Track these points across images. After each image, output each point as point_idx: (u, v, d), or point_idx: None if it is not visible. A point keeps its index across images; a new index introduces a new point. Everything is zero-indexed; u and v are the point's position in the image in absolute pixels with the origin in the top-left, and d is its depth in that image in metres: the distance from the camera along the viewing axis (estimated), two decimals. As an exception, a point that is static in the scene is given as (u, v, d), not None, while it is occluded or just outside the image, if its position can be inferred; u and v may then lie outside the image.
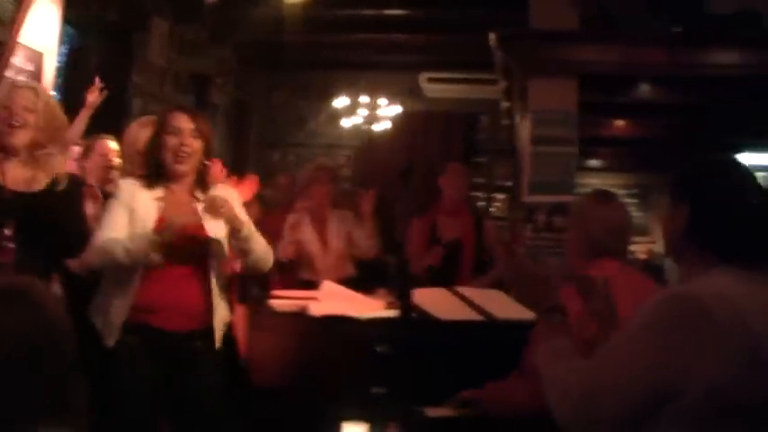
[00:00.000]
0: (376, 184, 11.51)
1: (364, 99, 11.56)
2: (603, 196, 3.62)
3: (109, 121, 5.51)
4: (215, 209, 3.77)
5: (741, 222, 2.13)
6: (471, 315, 4.17)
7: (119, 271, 3.77)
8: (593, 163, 10.28)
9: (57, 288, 4.01)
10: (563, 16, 6.89)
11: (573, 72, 6.81)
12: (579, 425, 2.12)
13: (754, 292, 2.05)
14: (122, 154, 4.76)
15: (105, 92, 5.41)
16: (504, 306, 4.26)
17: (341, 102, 11.57)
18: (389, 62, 12.00)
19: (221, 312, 3.94)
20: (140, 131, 4.48)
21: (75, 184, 4.10)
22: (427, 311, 4.08)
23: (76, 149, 5.11)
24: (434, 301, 4.21)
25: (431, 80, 12.12)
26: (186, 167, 3.90)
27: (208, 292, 3.87)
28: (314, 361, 4.17)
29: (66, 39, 7.36)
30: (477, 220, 6.41)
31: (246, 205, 4.32)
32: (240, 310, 4.88)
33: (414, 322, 4.05)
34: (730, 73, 6.77)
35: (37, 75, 6.12)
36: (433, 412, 3.58)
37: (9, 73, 5.80)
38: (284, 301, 4.74)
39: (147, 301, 3.76)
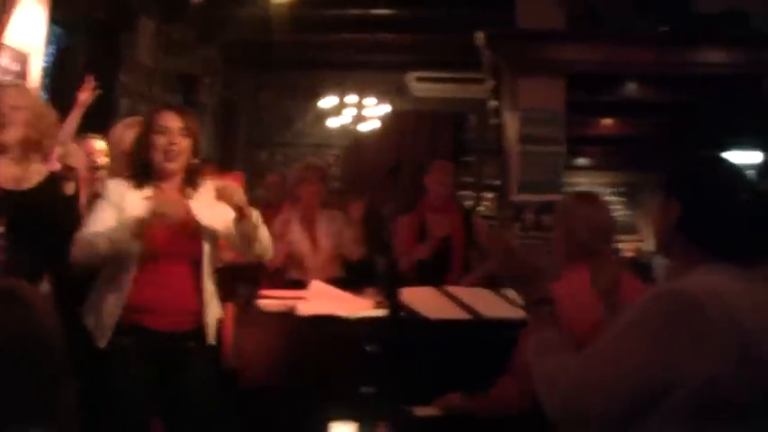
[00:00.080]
0: (364, 183, 11.56)
1: (352, 99, 11.55)
2: (587, 196, 3.64)
3: (96, 120, 5.48)
4: (228, 196, 3.76)
5: (731, 219, 2.14)
6: (460, 314, 4.17)
7: (112, 271, 3.76)
8: (582, 162, 10.30)
9: (46, 288, 3.99)
10: (550, 16, 6.91)
11: (561, 71, 6.82)
12: (569, 421, 2.12)
13: (745, 289, 2.06)
14: (108, 153, 4.74)
15: (97, 90, 5.40)
16: (492, 305, 4.27)
17: (328, 101, 11.57)
18: (377, 62, 12.00)
19: (213, 310, 3.93)
20: (126, 132, 4.46)
21: (57, 193, 4.10)
22: (416, 310, 4.08)
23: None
24: (423, 300, 4.21)
25: (419, 79, 12.13)
26: (176, 166, 3.88)
27: (200, 291, 3.86)
28: (302, 360, 4.16)
29: (53, 39, 7.35)
30: (465, 217, 6.40)
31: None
32: (228, 310, 4.87)
33: (402, 321, 4.06)
34: (717, 72, 6.80)
35: (23, 75, 6.10)
36: (421, 411, 3.58)
37: (-5, 74, 5.79)
38: (272, 300, 4.73)
39: (140, 301, 3.74)
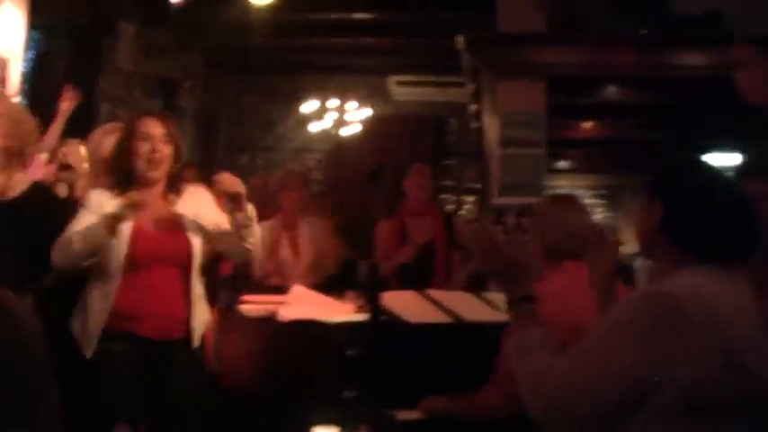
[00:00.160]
0: (346, 187, 11.56)
1: (333, 103, 11.54)
2: (563, 200, 3.65)
3: (76, 126, 5.47)
4: (232, 185, 3.77)
5: (713, 221, 2.15)
6: (441, 317, 4.17)
7: (98, 278, 3.75)
8: (563, 164, 10.31)
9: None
10: (530, 19, 6.92)
11: (541, 74, 6.83)
12: (553, 421, 2.13)
13: (727, 291, 2.07)
14: (87, 160, 4.72)
15: (78, 99, 5.38)
16: (473, 308, 4.27)
17: (310, 105, 11.55)
18: (358, 65, 11.98)
19: (201, 314, 3.93)
20: (105, 138, 4.44)
21: (50, 193, 4.09)
22: (397, 314, 4.08)
23: (43, 156, 5.08)
24: (404, 303, 4.21)
25: (399, 83, 12.12)
26: (159, 173, 3.88)
27: (189, 297, 3.86)
28: (284, 365, 4.16)
29: (32, 44, 7.32)
30: (446, 220, 6.41)
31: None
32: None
33: (383, 325, 4.05)
34: (697, 74, 6.82)
35: (2, 81, 6.07)
36: (403, 415, 3.58)
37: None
38: (254, 305, 4.73)
39: (128, 307, 3.74)
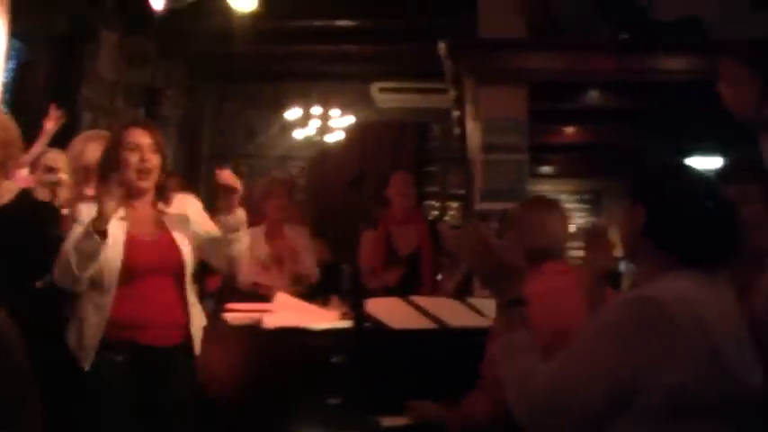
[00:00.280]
0: (329, 195, 11.55)
1: (316, 110, 11.54)
2: (539, 203, 3.65)
3: (58, 135, 5.46)
4: (230, 179, 3.78)
5: (696, 225, 2.16)
6: (425, 324, 4.18)
7: (92, 290, 3.75)
8: (545, 169, 10.34)
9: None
10: (512, 25, 6.93)
11: (522, 80, 6.84)
12: (538, 425, 2.13)
13: (710, 296, 2.08)
14: (68, 167, 4.71)
15: (62, 119, 5.37)
16: (457, 314, 4.28)
17: (293, 113, 11.54)
18: (340, 73, 11.98)
19: (198, 320, 3.94)
20: (87, 145, 4.44)
21: (36, 199, 4.09)
22: (381, 321, 4.09)
23: (24, 171, 5.06)
24: (388, 310, 4.21)
25: (382, 90, 12.12)
26: (149, 184, 3.89)
27: (185, 304, 3.87)
28: (269, 373, 4.16)
29: (13, 53, 7.29)
30: (431, 227, 6.41)
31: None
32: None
33: (368, 332, 4.06)
34: (677, 78, 6.85)
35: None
36: (388, 421, 3.59)
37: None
38: (238, 313, 4.72)
39: (125, 317, 3.75)
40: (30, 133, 5.21)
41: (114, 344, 3.74)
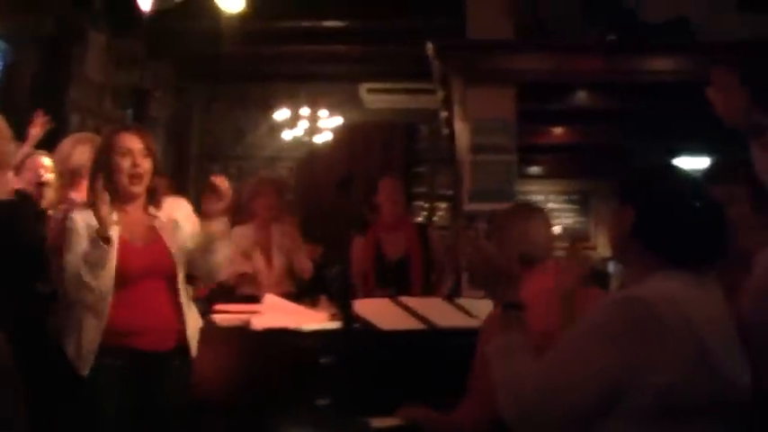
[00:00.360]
0: (318, 195, 11.56)
1: (305, 111, 11.55)
2: (522, 210, 3.65)
3: (46, 136, 5.44)
4: (222, 182, 3.80)
5: (684, 226, 2.16)
6: (414, 324, 4.18)
7: (91, 300, 3.75)
8: (534, 170, 10.38)
9: None
10: (500, 26, 6.95)
11: (510, 81, 6.86)
12: (529, 425, 2.14)
13: (699, 296, 2.09)
14: (54, 170, 4.69)
15: (48, 125, 5.36)
16: (446, 314, 4.28)
17: (281, 114, 11.55)
18: (329, 73, 11.99)
19: (193, 323, 3.94)
20: (74, 148, 4.43)
21: (27, 202, 4.10)
22: (370, 322, 4.09)
23: (10, 174, 5.04)
24: (377, 311, 4.21)
25: (370, 91, 12.12)
26: (141, 188, 3.88)
27: (178, 307, 3.87)
28: (257, 374, 4.15)
29: (0, 54, 7.28)
30: (420, 232, 6.40)
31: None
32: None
33: (356, 333, 4.06)
34: (665, 79, 6.88)
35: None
36: (377, 422, 3.58)
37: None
38: (226, 315, 4.72)
39: (121, 323, 3.74)
40: (17, 134, 5.20)
41: (110, 349, 3.74)
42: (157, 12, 6.34)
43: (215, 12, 6.95)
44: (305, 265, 6.18)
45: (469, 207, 6.86)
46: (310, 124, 11.69)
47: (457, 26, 7.22)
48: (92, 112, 9.24)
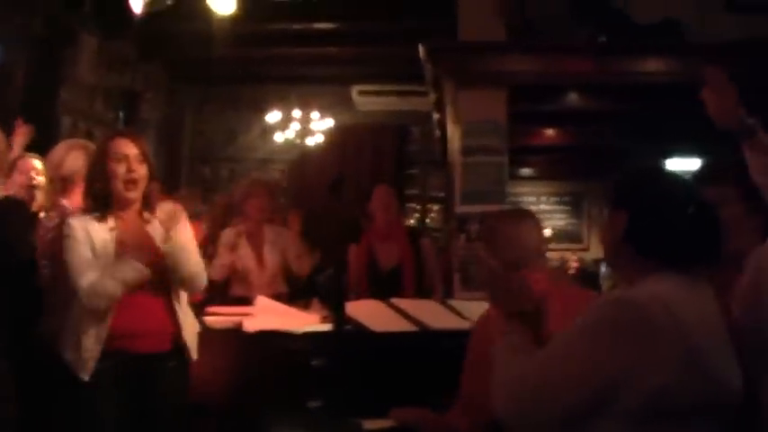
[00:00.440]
0: (310, 198, 11.56)
1: (296, 113, 11.55)
2: (512, 215, 3.65)
3: (36, 139, 5.43)
4: (175, 219, 3.79)
5: (678, 230, 2.16)
6: (406, 326, 4.18)
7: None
8: (525, 172, 10.39)
9: None
10: (491, 28, 6.95)
11: (502, 82, 6.86)
12: (522, 425, 2.14)
13: (690, 298, 2.09)
14: (46, 175, 4.68)
15: (31, 134, 5.34)
16: (438, 316, 4.28)
17: (273, 116, 11.55)
18: (320, 76, 12.00)
19: (189, 327, 3.95)
20: (67, 154, 4.42)
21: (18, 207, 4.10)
22: (362, 324, 4.09)
23: None
24: (369, 313, 4.21)
25: (361, 93, 12.13)
26: (137, 194, 3.89)
27: (173, 310, 3.87)
28: (249, 376, 4.15)
29: (-10, 55, 7.27)
30: (413, 240, 6.39)
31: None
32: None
33: (348, 335, 4.06)
34: (656, 80, 6.89)
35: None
36: (369, 424, 3.59)
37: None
38: (219, 317, 4.72)
39: (117, 327, 3.75)
40: (9, 136, 5.19)
41: (106, 353, 3.75)
42: (149, 14, 6.33)
43: (206, 14, 6.94)
44: (302, 263, 6.17)
45: (461, 209, 6.86)
46: (302, 126, 11.69)
47: (448, 28, 7.22)
48: (83, 114, 9.23)
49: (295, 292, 6.04)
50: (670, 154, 7.97)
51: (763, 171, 2.57)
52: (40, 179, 4.74)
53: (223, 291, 5.93)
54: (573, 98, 7.41)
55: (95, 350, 3.72)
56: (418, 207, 12.57)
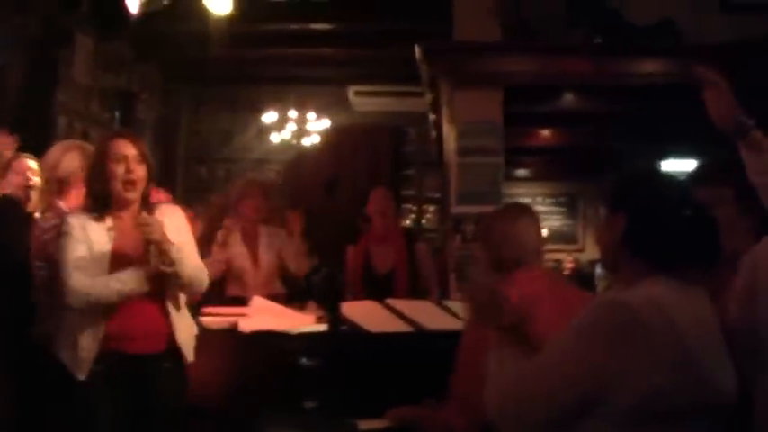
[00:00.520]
0: (306, 198, 11.55)
1: (292, 114, 11.54)
2: (510, 212, 3.66)
3: (32, 139, 5.43)
4: (147, 231, 3.78)
5: (678, 234, 2.16)
6: (401, 327, 4.19)
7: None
8: (521, 172, 10.39)
9: None
10: (487, 28, 6.94)
11: (498, 83, 6.85)
12: (516, 426, 2.14)
13: (684, 301, 2.09)
14: (42, 176, 4.67)
15: (17, 144, 5.33)
16: (433, 317, 4.29)
17: (269, 116, 11.54)
18: (316, 76, 12.00)
19: (184, 329, 3.94)
20: (63, 155, 4.42)
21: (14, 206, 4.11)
22: (357, 324, 4.09)
23: None
24: (364, 313, 4.22)
25: (358, 94, 12.12)
26: (135, 195, 3.89)
27: (166, 313, 3.87)
28: (245, 377, 4.16)
29: (-14, 56, 7.26)
30: (409, 245, 6.39)
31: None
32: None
33: (343, 335, 4.06)
34: (652, 81, 6.89)
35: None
36: (365, 425, 3.59)
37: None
38: (214, 317, 4.71)
39: (114, 328, 3.76)
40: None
41: (101, 354, 3.75)
42: (145, 14, 6.33)
43: (202, 14, 6.93)
44: (300, 264, 6.17)
45: (457, 210, 6.86)
46: (298, 127, 11.68)
47: (444, 29, 7.22)
48: (79, 114, 9.22)
49: (292, 293, 6.04)
50: (666, 155, 7.98)
51: (761, 170, 2.57)
52: (36, 180, 4.73)
53: (219, 291, 5.92)
54: (569, 99, 7.40)
55: (92, 350, 3.73)
56: (414, 208, 12.57)
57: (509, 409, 2.13)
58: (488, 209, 5.86)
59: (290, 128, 11.66)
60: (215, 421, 4.28)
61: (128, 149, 3.86)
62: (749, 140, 2.60)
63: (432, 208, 12.42)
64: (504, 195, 6.97)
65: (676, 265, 2.15)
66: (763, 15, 6.72)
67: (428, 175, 12.21)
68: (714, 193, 2.71)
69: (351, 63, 11.36)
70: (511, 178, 7.92)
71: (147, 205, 3.96)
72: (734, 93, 2.63)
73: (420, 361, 3.87)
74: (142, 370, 3.82)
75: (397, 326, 4.19)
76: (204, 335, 4.32)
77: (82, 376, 3.72)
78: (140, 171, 3.88)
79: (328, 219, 10.22)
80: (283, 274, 6.12)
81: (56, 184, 4.39)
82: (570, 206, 10.97)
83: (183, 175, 12.78)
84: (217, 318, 4.71)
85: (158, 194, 4.80)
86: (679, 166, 7.92)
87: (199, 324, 4.40)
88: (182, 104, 12.87)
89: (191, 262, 3.94)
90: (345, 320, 4.09)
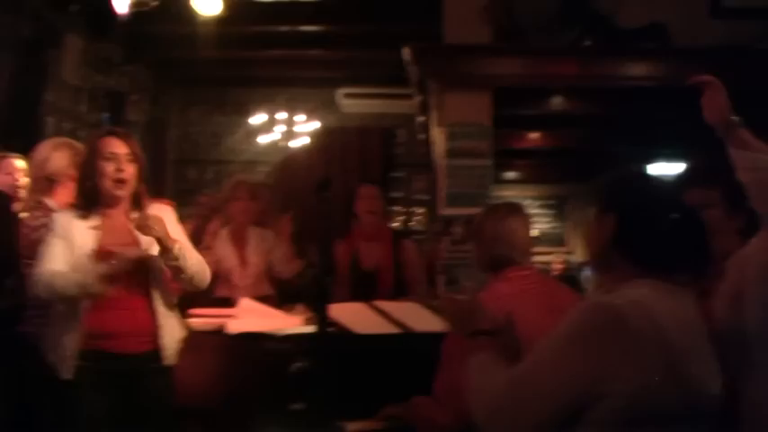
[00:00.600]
0: (295, 200, 11.52)
1: (282, 115, 11.54)
2: (501, 210, 3.66)
3: (21, 139, 5.41)
4: (148, 228, 3.77)
5: (667, 236, 2.16)
6: (388, 328, 4.18)
7: (67, 304, 3.76)
8: (510, 175, 10.37)
9: None
10: (477, 30, 6.95)
11: (487, 85, 6.85)
12: (500, 429, 2.14)
13: (670, 304, 2.09)
14: (30, 175, 4.66)
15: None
16: (421, 318, 4.28)
17: (258, 118, 11.53)
18: (306, 78, 11.99)
19: (170, 331, 3.94)
20: (52, 153, 4.41)
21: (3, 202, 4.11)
22: (344, 326, 4.09)
23: None
24: (351, 315, 4.22)
25: (347, 95, 12.12)
26: (125, 193, 3.90)
27: (154, 312, 3.87)
28: (232, 379, 4.15)
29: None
30: (395, 242, 6.37)
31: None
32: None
33: (331, 337, 4.05)
34: (641, 84, 6.90)
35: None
36: (353, 426, 3.59)
37: None
38: (202, 319, 4.71)
39: (97, 327, 3.77)
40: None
41: (86, 353, 3.75)
42: (134, 15, 6.33)
43: (192, 16, 6.94)
44: (288, 267, 6.14)
45: (445, 212, 6.85)
46: (287, 128, 11.68)
47: (434, 31, 7.21)
48: (68, 114, 9.19)
49: (283, 296, 6.03)
50: (655, 158, 7.97)
51: (749, 166, 2.56)
52: (24, 179, 4.73)
53: (207, 292, 5.91)
54: (558, 101, 7.40)
55: (73, 350, 3.72)
56: (403, 210, 12.55)
57: (499, 418, 2.12)
58: (477, 211, 5.88)
59: (280, 129, 11.65)
60: (202, 423, 4.27)
61: (119, 148, 3.87)
62: (736, 137, 2.60)
63: (420, 210, 12.40)
64: (492, 198, 6.97)
65: (665, 267, 2.15)
66: (753, 19, 6.74)
67: (417, 177, 12.20)
68: (702, 195, 2.71)
69: (340, 65, 11.35)
70: (500, 180, 7.90)
71: (138, 204, 3.96)
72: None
73: (407, 362, 3.87)
74: (128, 369, 3.82)
75: (384, 327, 4.18)
76: (192, 336, 4.31)
77: (66, 375, 3.71)
78: (131, 169, 3.89)
79: (318, 220, 10.18)
80: (272, 276, 6.12)
81: (44, 182, 4.38)
82: (559, 209, 10.96)
83: (172, 177, 12.76)
84: (204, 319, 4.70)
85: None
86: (668, 168, 7.92)
87: (186, 325, 4.39)
88: (171, 106, 12.85)
89: (192, 256, 3.94)
90: (333, 322, 4.08)
